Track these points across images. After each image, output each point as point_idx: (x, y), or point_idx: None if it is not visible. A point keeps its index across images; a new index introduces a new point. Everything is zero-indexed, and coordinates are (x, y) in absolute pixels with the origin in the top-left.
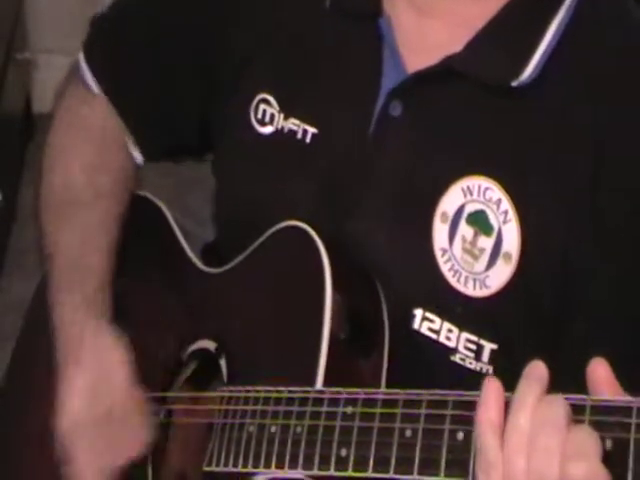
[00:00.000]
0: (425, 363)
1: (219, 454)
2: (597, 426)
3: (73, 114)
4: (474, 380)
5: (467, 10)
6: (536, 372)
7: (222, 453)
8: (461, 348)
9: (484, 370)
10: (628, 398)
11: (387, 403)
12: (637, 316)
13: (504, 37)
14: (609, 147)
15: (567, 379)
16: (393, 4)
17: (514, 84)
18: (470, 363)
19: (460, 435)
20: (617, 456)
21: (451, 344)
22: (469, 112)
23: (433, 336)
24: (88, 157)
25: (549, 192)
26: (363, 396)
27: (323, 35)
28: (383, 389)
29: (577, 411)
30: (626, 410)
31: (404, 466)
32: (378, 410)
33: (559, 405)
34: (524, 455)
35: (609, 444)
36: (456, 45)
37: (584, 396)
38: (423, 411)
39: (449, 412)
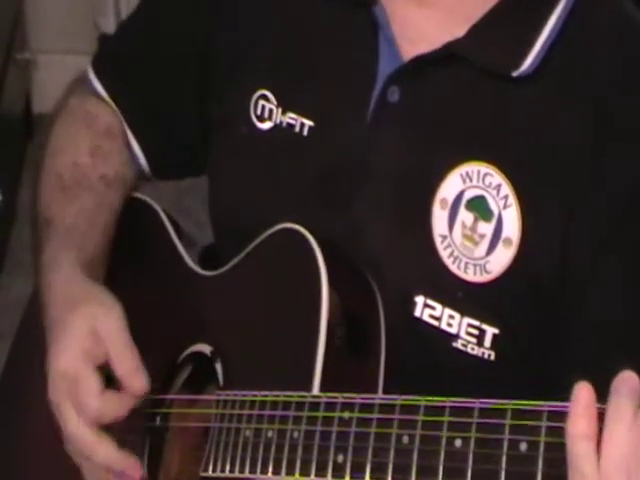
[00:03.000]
0: (427, 351)
1: (215, 459)
2: None
3: (79, 109)
4: (476, 366)
5: (462, 1)
6: (629, 384)
7: (219, 458)
8: (463, 334)
9: (486, 356)
10: None
11: (384, 408)
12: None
13: (505, 27)
14: (608, 138)
15: (571, 367)
16: None
17: (514, 74)
18: (472, 349)
19: (458, 442)
20: None
21: (452, 330)
22: (468, 98)
23: (434, 323)
24: (95, 142)
25: (549, 179)
26: (360, 401)
27: (317, 27)
28: (380, 394)
29: None
30: None
31: (402, 472)
32: (375, 415)
33: None
34: (626, 472)
35: None
36: (452, 34)
37: None
38: (420, 417)
39: (446, 419)
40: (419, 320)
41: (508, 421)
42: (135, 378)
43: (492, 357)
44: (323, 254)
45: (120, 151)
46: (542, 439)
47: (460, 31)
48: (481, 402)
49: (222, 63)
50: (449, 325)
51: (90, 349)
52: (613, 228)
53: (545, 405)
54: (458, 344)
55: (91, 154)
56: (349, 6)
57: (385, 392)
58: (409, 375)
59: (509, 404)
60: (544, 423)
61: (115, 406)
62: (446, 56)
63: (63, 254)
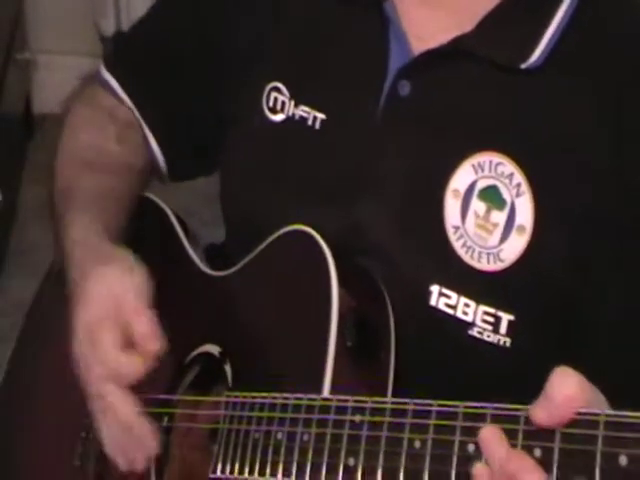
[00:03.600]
0: (443, 339)
1: (224, 461)
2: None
3: (95, 101)
4: (492, 353)
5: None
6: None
7: (227, 460)
8: (478, 321)
9: (502, 342)
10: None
11: (396, 413)
12: None
13: (513, 21)
14: (622, 125)
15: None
16: None
17: (523, 66)
18: (488, 336)
19: (471, 447)
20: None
21: (468, 318)
22: (478, 91)
23: (450, 311)
24: (120, 131)
25: (562, 167)
26: (371, 405)
27: (328, 21)
28: (391, 398)
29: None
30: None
31: (413, 477)
32: (387, 419)
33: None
34: None
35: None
36: (461, 29)
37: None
38: (432, 422)
39: (459, 423)
40: (434, 309)
41: (521, 426)
42: (149, 340)
43: (507, 344)
44: (333, 256)
45: (142, 144)
46: (556, 446)
47: (469, 26)
48: (494, 407)
49: (235, 60)
50: (464, 313)
51: (109, 309)
52: (634, 213)
53: None
54: (474, 332)
55: (118, 141)
56: (360, 2)
57: (401, 384)
58: (426, 363)
59: (523, 409)
60: (558, 430)
61: (132, 361)
62: (455, 51)
63: (84, 216)
